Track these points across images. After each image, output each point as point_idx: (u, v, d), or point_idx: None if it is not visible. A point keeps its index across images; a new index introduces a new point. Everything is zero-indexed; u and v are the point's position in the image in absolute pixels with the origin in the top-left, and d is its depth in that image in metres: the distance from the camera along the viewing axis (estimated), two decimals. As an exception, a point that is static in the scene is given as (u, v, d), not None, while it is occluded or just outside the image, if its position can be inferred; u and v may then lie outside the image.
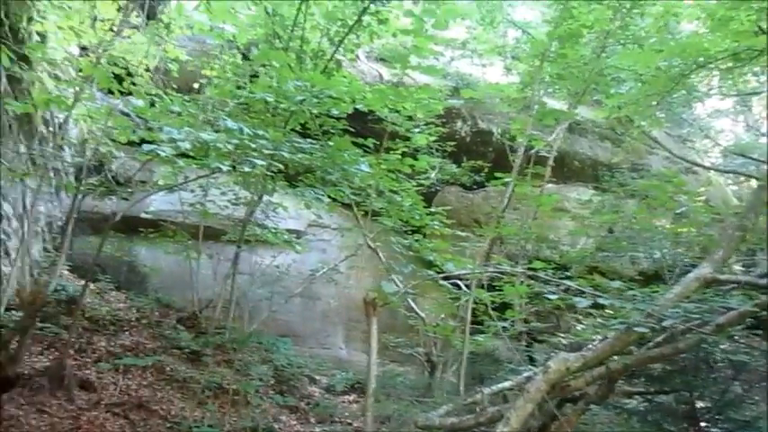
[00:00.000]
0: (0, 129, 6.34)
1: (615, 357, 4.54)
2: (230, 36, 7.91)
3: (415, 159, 6.09)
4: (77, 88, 6.62)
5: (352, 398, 8.83)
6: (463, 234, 7.37)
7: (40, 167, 7.34)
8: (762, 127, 15.48)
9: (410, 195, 6.16)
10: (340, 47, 7.11)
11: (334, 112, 5.33)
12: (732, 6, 5.70)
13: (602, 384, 4.78)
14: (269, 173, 5.59)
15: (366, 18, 7.36)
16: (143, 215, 9.31)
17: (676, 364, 5.32)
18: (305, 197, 6.63)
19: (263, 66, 7.02)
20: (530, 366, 5.91)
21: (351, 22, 7.35)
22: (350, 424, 7.93)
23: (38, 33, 7.01)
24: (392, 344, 9.20)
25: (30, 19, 6.73)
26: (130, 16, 7.50)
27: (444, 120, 9.33)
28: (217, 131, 5.06)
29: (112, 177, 9.32)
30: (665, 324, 3.93)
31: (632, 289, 4.65)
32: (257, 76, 7.08)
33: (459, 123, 11.96)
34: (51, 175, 8.09)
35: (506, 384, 5.14)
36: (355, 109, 5.59)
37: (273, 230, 8.52)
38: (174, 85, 8.26)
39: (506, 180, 6.17)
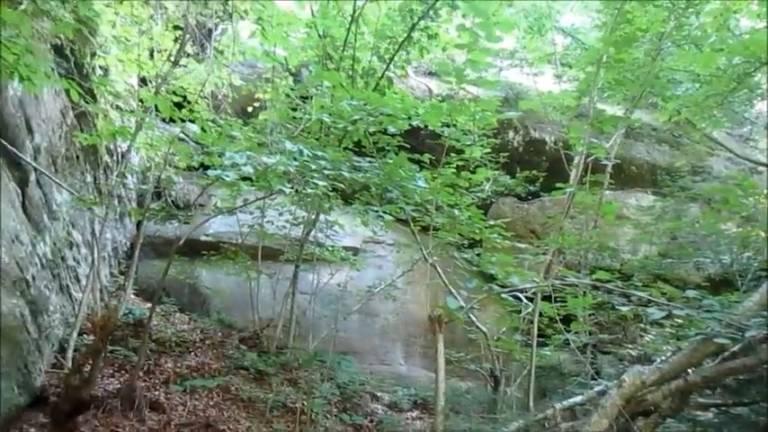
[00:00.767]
0: (70, 160, 6.61)
1: (691, 369, 4.38)
2: (282, 59, 8.07)
3: (471, 172, 6.06)
4: (139, 118, 6.85)
5: (415, 414, 8.75)
6: (522, 246, 7.26)
7: (105, 196, 7.60)
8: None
9: (468, 209, 6.11)
10: (391, 64, 7.15)
11: (390, 129, 5.35)
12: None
13: (677, 397, 4.61)
14: (327, 192, 5.64)
15: (415, 34, 7.39)
16: (203, 238, 9.52)
17: (753, 374, 5.09)
18: (363, 215, 6.66)
19: (316, 87, 7.12)
20: (599, 380, 5.74)
21: (400, 39, 7.40)
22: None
23: (100, 67, 7.30)
24: (453, 358, 9.10)
25: (93, 54, 7.02)
26: (186, 46, 7.73)
27: (496, 131, 9.27)
28: (275, 153, 5.15)
29: (173, 202, 9.60)
30: (748, 335, 3.76)
31: (707, 298, 4.48)
32: (310, 97, 7.18)
33: (512, 134, 11.86)
34: (116, 202, 8.37)
35: (578, 399, 5.01)
36: (410, 125, 5.61)
37: (330, 248, 8.58)
38: (230, 110, 8.47)
39: (568, 190, 6.04)
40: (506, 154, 9.94)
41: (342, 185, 5.39)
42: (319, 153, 4.76)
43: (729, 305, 4.43)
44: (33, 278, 5.66)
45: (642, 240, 9.99)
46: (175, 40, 7.60)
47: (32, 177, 5.74)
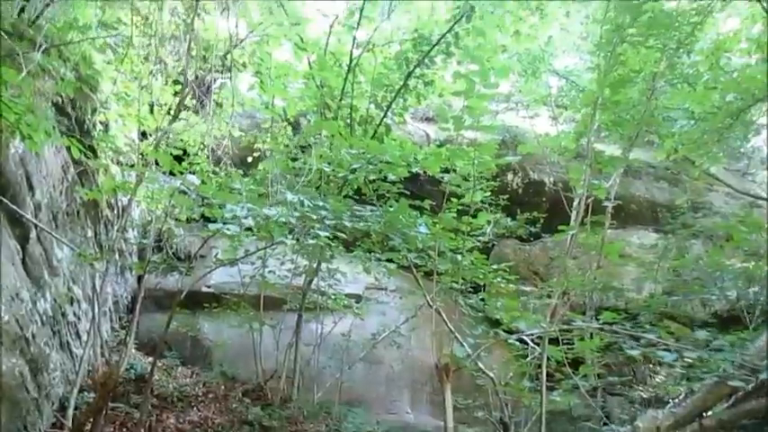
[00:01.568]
0: (71, 215, 6.61)
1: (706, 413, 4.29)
2: (281, 109, 8.16)
3: (471, 216, 6.04)
4: (140, 173, 6.88)
5: (425, 466, 8.55)
6: (527, 288, 7.21)
7: (106, 250, 7.57)
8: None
9: (471, 254, 6.08)
10: (388, 111, 7.22)
11: (391, 176, 5.37)
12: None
13: (692, 440, 4.50)
14: (329, 242, 5.63)
15: (412, 82, 7.49)
16: (204, 289, 9.46)
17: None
18: (365, 262, 6.63)
19: (314, 136, 7.18)
20: (611, 425, 5.61)
21: (397, 87, 7.50)
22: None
23: (101, 123, 7.38)
24: (461, 405, 8.91)
25: (94, 110, 7.10)
26: (186, 99, 7.82)
27: (495, 173, 9.30)
28: (276, 204, 5.16)
29: (173, 254, 9.56)
30: (762, 377, 3.69)
31: (717, 338, 4.41)
32: (309, 146, 7.23)
33: (511, 176, 11.93)
34: (117, 256, 8.34)
35: (591, 446, 4.88)
36: (409, 171, 5.63)
37: (333, 296, 8.51)
38: (229, 161, 8.52)
39: (570, 232, 6.02)
40: (506, 196, 9.97)
41: (344, 234, 5.37)
42: (320, 203, 4.76)
43: (741, 343, 4.36)
44: (33, 336, 5.59)
45: (646, 279, 9.93)
46: (175, 94, 7.69)
47: (33, 234, 5.73)
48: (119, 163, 7.71)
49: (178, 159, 7.19)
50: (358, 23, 7.49)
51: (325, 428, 8.05)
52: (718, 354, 4.01)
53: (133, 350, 8.69)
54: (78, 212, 7.02)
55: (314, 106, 7.83)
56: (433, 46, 7.42)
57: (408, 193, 6.29)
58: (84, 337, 7.03)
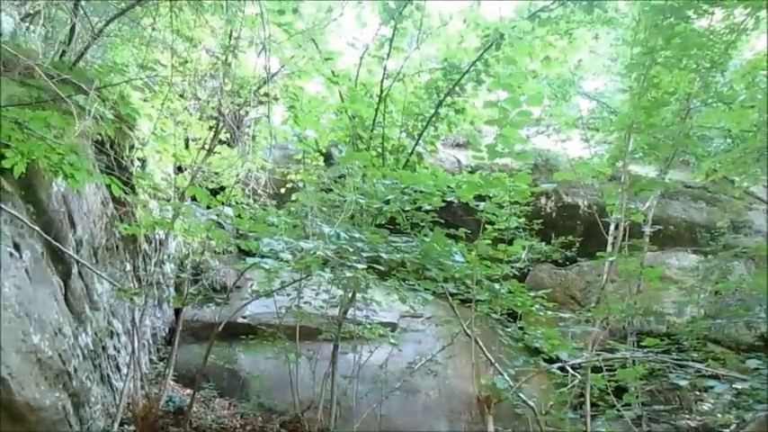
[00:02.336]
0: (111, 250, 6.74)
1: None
2: (313, 141, 8.25)
3: (508, 244, 6.00)
4: (176, 207, 7.00)
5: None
6: (565, 315, 7.08)
7: (145, 284, 7.69)
8: None
9: (509, 282, 6.02)
10: (420, 140, 7.25)
11: (425, 206, 5.37)
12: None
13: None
14: (365, 274, 5.63)
15: (442, 110, 7.52)
16: (240, 320, 9.50)
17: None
18: (400, 292, 6.61)
19: (347, 168, 7.23)
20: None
21: (428, 115, 7.53)
22: None
23: (138, 159, 7.55)
24: (501, 436, 8.75)
25: (131, 147, 7.27)
26: (220, 134, 7.96)
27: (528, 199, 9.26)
28: (311, 236, 5.19)
29: (209, 285, 9.65)
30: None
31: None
32: (343, 176, 7.28)
33: (544, 200, 11.84)
34: (155, 290, 8.45)
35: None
36: (443, 200, 5.63)
37: (369, 325, 8.48)
38: (263, 192, 8.62)
39: (609, 259, 5.93)
40: (540, 220, 9.88)
41: (380, 267, 5.37)
42: (356, 235, 4.78)
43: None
44: (75, 370, 5.68)
45: (688, 302, 9.69)
46: (209, 129, 7.84)
47: (75, 269, 5.85)
48: (156, 198, 7.86)
49: (214, 193, 7.32)
50: (388, 54, 7.57)
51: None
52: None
53: (171, 382, 8.76)
54: (117, 247, 7.16)
55: (345, 137, 7.90)
56: (464, 74, 7.45)
57: (442, 221, 6.29)
58: (124, 371, 7.12)
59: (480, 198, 6.01)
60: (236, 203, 7.30)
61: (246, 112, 8.78)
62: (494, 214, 5.45)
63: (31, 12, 7.54)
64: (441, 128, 8.04)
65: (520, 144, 4.80)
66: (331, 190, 6.80)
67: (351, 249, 4.65)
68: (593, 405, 6.95)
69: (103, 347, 6.66)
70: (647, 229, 7.33)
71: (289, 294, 8.34)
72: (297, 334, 8.83)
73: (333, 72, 7.60)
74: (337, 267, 5.19)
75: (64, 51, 6.27)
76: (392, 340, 8.78)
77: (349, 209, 5.40)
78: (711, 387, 3.83)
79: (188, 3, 5.91)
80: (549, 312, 6.74)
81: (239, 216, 6.42)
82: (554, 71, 9.07)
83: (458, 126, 8.20)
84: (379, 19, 7.55)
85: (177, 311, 8.93)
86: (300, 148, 8.53)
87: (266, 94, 7.19)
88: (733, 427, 4.51)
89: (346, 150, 7.28)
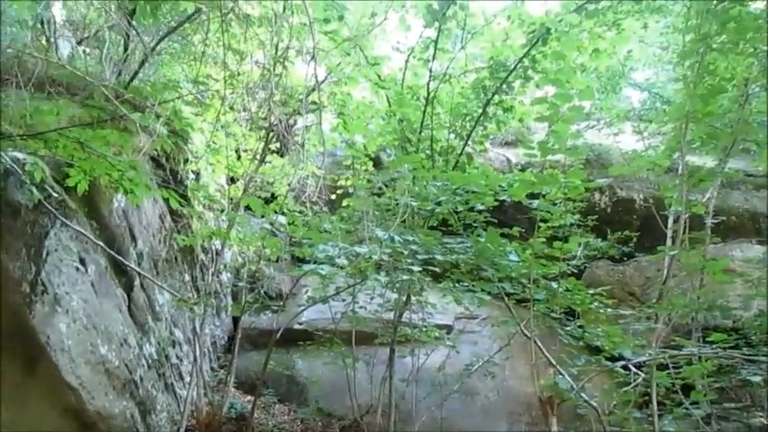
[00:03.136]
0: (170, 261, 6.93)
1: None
2: (361, 146, 8.30)
3: (564, 241, 5.88)
4: (231, 218, 7.15)
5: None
6: (626, 312, 6.90)
7: (203, 294, 7.86)
8: None
9: (568, 281, 5.91)
10: (468, 141, 7.21)
11: (478, 206, 5.33)
12: None
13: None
14: (421, 276, 5.63)
15: (490, 109, 7.45)
16: (297, 326, 9.61)
17: None
18: (455, 293, 6.57)
19: (397, 171, 7.25)
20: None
21: (476, 115, 7.48)
22: None
23: (192, 171, 7.74)
24: (562, 437, 8.58)
25: (186, 161, 7.46)
26: (271, 143, 8.09)
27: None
28: (365, 240, 5.21)
29: (265, 293, 9.81)
30: None
31: None
32: (393, 180, 7.29)
33: (597, 195, 11.59)
34: (213, 298, 8.64)
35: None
36: (495, 199, 5.57)
37: (424, 328, 8.46)
38: (315, 199, 8.71)
39: (670, 253, 5.76)
40: (594, 216, 9.67)
41: (435, 269, 5.35)
42: (410, 238, 4.78)
43: None
44: (141, 379, 5.86)
45: (756, 296, 9.30)
46: (259, 139, 7.98)
47: (137, 282, 6.05)
48: (211, 209, 8.04)
49: (267, 201, 7.44)
50: (433, 56, 7.55)
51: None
52: None
53: (232, 389, 8.93)
54: (176, 258, 7.35)
55: (394, 141, 7.91)
56: (510, 72, 7.37)
57: (495, 221, 6.22)
58: (187, 379, 7.29)
59: (533, 196, 5.93)
60: (289, 211, 7.39)
61: (295, 121, 8.89)
62: (548, 212, 5.36)
63: (87, 35, 7.85)
64: (489, 127, 7.97)
65: (572, 139, 4.72)
66: (382, 194, 6.82)
67: (405, 252, 4.65)
68: (658, 404, 6.76)
69: (166, 356, 6.84)
70: (709, 221, 7.07)
71: (344, 300, 8.40)
72: (353, 339, 8.87)
73: (379, 77, 7.63)
74: (392, 271, 5.20)
75: (120, 71, 6.50)
76: (449, 342, 8.72)
77: (402, 212, 5.40)
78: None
79: (236, 18, 6.03)
80: (609, 310, 6.59)
81: (293, 224, 6.50)
82: (603, 64, 8.86)
83: (506, 124, 8.11)
84: (423, 21, 7.54)
85: (235, 320, 9.10)
86: (349, 154, 8.58)
87: (314, 102, 7.27)
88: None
89: (395, 154, 7.29)
